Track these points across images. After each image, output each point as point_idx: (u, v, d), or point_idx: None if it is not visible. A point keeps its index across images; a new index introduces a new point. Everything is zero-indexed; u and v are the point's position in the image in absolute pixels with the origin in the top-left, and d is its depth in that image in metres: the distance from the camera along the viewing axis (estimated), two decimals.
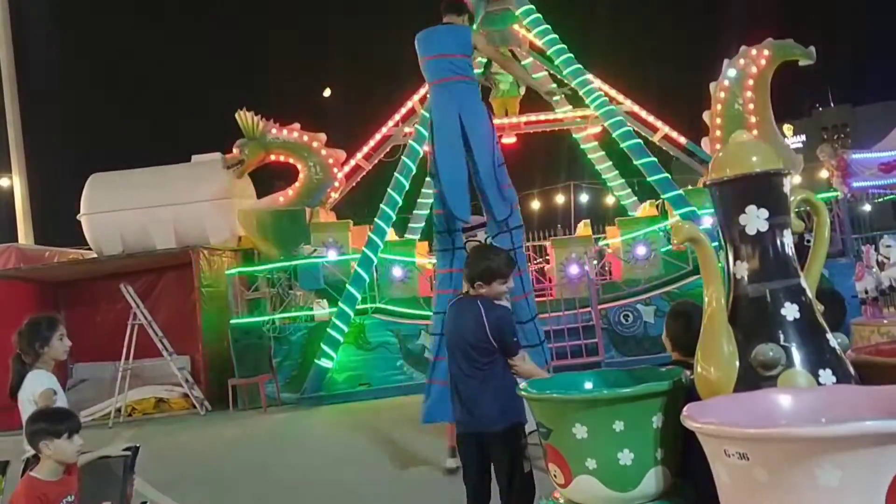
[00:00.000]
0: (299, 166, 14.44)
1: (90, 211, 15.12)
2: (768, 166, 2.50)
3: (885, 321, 7.25)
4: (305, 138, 14.42)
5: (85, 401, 12.78)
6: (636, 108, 14.56)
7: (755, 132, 13.16)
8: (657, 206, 13.93)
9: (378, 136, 15.13)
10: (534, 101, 15.18)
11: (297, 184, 14.46)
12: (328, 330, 12.37)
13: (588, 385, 3.23)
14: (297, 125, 14.53)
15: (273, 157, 14.41)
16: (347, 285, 12.50)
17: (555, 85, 12.88)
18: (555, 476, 2.91)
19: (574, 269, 13.07)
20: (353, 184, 15.20)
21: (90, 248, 15.62)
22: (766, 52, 13.46)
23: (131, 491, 3.90)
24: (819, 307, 2.53)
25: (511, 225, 6.26)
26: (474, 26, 13.57)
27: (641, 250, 13.06)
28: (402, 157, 13.29)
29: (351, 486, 6.75)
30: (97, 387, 13.97)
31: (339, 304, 12.46)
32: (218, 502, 6.61)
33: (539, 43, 13.81)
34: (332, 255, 13.43)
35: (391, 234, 14.08)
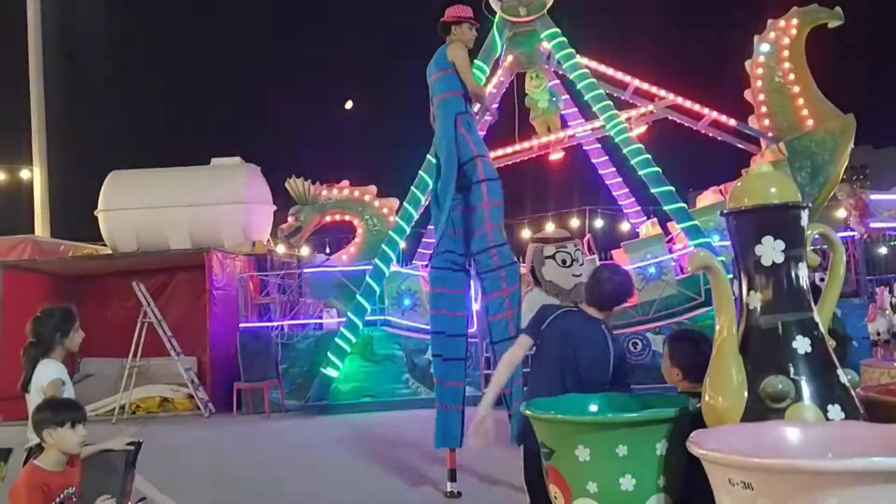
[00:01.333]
0: (356, 222, 14.40)
1: (108, 207, 15.24)
2: (787, 198, 2.50)
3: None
4: (357, 193, 14.39)
5: (90, 395, 12.81)
6: (679, 100, 14.34)
7: (801, 101, 13.05)
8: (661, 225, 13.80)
9: (419, 175, 14.94)
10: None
11: (357, 239, 14.40)
12: (336, 339, 12.38)
13: (593, 408, 3.23)
14: (346, 182, 14.50)
15: (329, 218, 14.41)
16: (358, 296, 12.52)
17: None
18: (555, 498, 2.89)
19: (653, 270, 12.72)
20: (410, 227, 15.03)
21: (105, 245, 15.73)
22: (794, 21, 13.37)
23: (131, 486, 3.90)
24: (831, 342, 2.52)
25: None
26: (499, 49, 13.66)
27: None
28: (420, 171, 13.33)
29: (347, 500, 6.72)
30: (103, 382, 14.01)
31: (349, 314, 12.47)
32: None
33: (563, 66, 13.83)
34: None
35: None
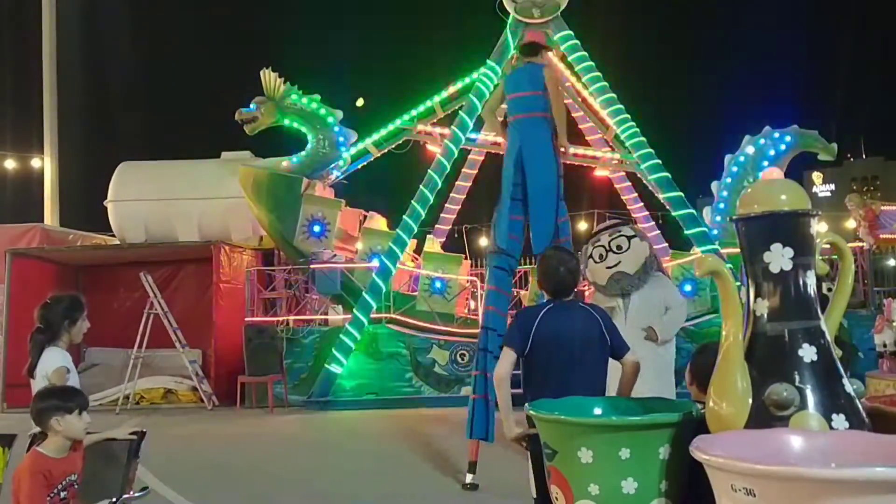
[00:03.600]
0: (309, 136, 14.32)
1: (117, 198, 15.29)
2: (797, 206, 2.49)
3: None
4: (322, 111, 14.32)
5: (94, 385, 12.88)
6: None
7: None
8: None
9: (392, 127, 14.88)
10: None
11: (302, 153, 14.35)
12: (341, 336, 12.40)
13: (597, 411, 3.22)
14: (317, 95, 14.47)
15: (287, 122, 14.35)
16: (364, 293, 12.54)
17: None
18: (556, 499, 2.89)
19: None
20: (358, 167, 15.11)
21: (114, 235, 15.78)
22: (787, 139, 13.44)
23: (133, 476, 3.91)
24: (837, 352, 2.51)
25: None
26: (511, 50, 13.67)
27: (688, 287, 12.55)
28: (430, 171, 13.32)
29: (350, 494, 6.74)
30: (108, 372, 14.08)
31: (354, 311, 12.49)
32: (216, 497, 6.62)
33: (576, 68, 13.83)
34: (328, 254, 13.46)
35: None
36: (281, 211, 13.54)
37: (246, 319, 13.32)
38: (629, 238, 5.85)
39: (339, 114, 14.44)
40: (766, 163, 13.25)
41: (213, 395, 13.23)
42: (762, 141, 13.49)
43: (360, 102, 19.94)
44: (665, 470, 2.65)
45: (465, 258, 14.89)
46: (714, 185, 13.82)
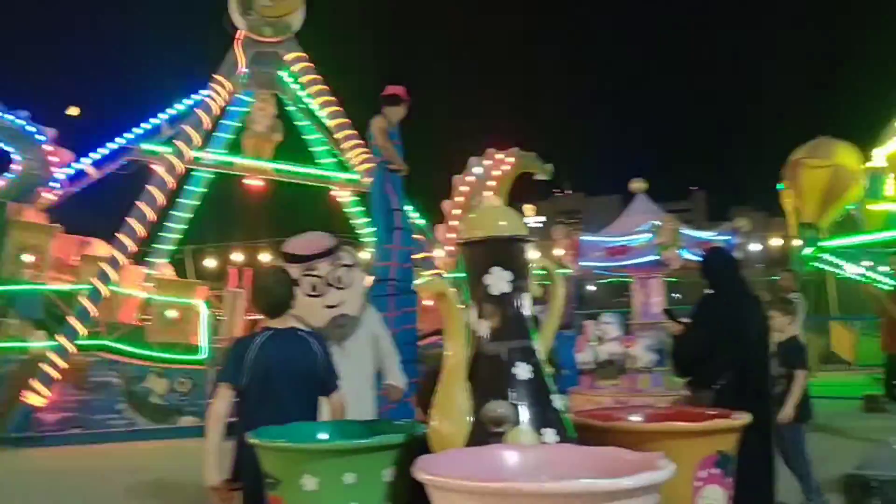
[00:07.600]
0: (17, 157, 12.84)
1: None
2: (516, 231, 2.63)
3: (600, 391, 7.90)
4: (30, 128, 12.91)
5: None
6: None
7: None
8: None
9: (114, 145, 13.66)
10: (294, 149, 15.04)
11: (9, 174, 12.82)
12: (42, 365, 11.23)
13: (323, 436, 3.16)
14: (25, 112, 12.95)
15: None
16: (70, 318, 11.48)
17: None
18: None
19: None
20: (76, 189, 13.65)
21: None
22: (510, 160, 14.38)
23: None
24: (549, 369, 2.67)
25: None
26: (241, 66, 13.33)
27: None
28: (149, 187, 12.54)
29: None
30: None
31: (57, 337, 11.39)
32: None
33: (305, 91, 13.78)
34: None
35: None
36: None
37: None
38: (349, 268, 4.68)
39: (52, 132, 13.09)
40: (491, 182, 14.02)
41: None
42: (486, 162, 14.26)
43: (73, 111, 18.33)
44: (389, 492, 2.65)
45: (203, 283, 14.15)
46: (445, 204, 14.37)
